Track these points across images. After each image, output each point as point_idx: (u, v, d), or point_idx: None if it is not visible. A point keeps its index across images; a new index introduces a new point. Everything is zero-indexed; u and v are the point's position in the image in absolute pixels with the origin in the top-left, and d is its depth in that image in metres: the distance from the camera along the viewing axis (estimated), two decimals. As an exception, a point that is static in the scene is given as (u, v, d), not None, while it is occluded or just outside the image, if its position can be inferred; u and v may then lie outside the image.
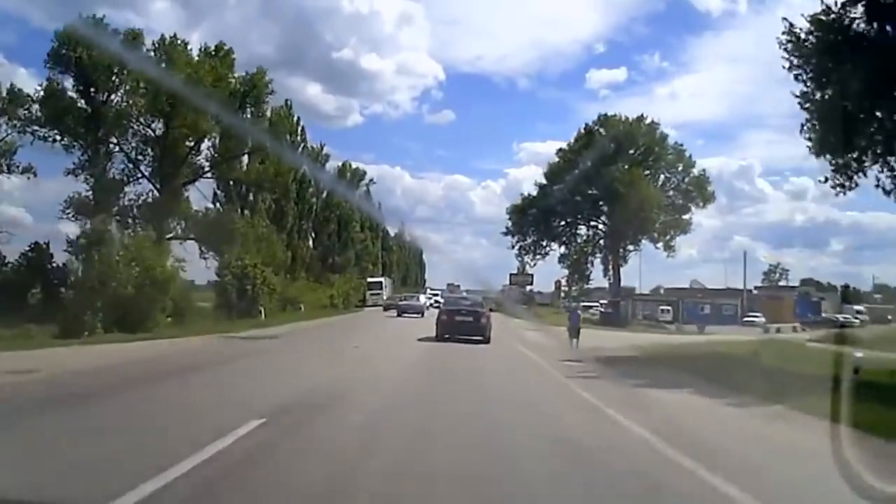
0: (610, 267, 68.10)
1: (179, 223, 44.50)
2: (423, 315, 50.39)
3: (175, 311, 30.01)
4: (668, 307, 66.05)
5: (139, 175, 44.10)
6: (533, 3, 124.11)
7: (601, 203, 66.25)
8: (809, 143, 22.77)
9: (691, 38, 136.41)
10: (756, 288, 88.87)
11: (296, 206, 65.72)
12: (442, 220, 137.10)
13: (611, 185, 61.17)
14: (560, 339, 30.52)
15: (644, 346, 27.97)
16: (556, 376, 17.51)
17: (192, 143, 43.56)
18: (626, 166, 62.48)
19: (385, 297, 72.39)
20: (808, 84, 21.66)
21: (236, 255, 40.36)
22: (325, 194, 74.59)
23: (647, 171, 64.82)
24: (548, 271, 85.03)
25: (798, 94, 21.93)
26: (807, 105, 21.89)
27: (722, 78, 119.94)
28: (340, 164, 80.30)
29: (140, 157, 43.99)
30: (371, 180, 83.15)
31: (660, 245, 66.91)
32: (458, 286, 69.54)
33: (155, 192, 43.54)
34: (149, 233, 35.77)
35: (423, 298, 59.67)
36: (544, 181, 68.88)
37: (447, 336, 28.40)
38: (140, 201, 43.56)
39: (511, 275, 79.67)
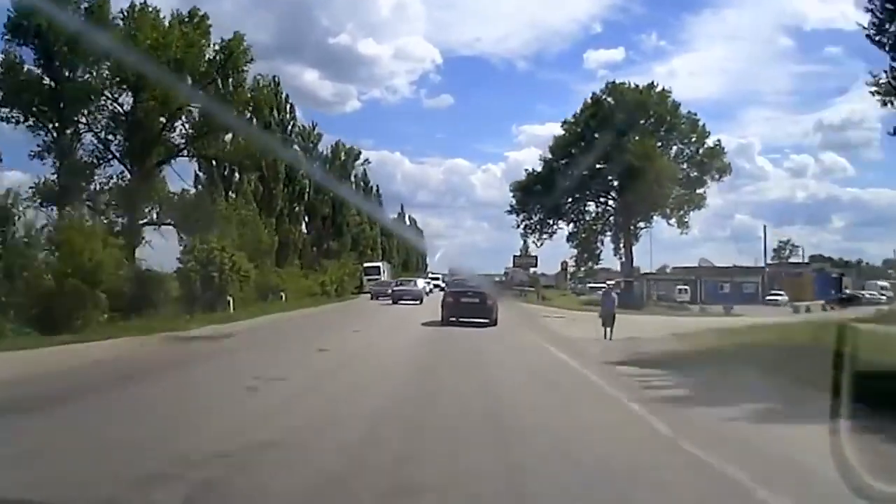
0: (621, 245, 64.18)
1: (154, 207, 40.77)
2: (421, 302, 47.08)
3: (128, 305, 25.96)
4: (686, 287, 62.14)
5: (110, 156, 40.48)
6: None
7: (611, 178, 62.25)
8: (875, 88, 19.17)
9: (689, 17, 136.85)
10: (767, 265, 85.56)
11: (286, 189, 61.77)
12: (443, 204, 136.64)
13: (622, 157, 57.12)
14: (583, 327, 26.75)
15: (685, 333, 23.41)
16: (616, 399, 12.04)
17: (165, 119, 39.60)
18: (638, 137, 58.29)
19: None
20: (881, 12, 17.87)
21: (200, 238, 36.16)
22: (317, 176, 71.17)
23: (660, 143, 60.74)
24: (551, 252, 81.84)
25: (866, 25, 18.16)
26: (878, 38, 18.12)
27: (720, 56, 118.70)
28: (334, 143, 76.04)
29: (110, 137, 40.27)
30: (366, 160, 79.09)
31: (672, 221, 63.01)
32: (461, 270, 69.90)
33: (127, 174, 39.96)
34: (79, 211, 31.84)
35: (421, 283, 54.73)
36: (549, 155, 64.95)
37: (453, 318, 28.12)
38: (110, 184, 40.13)
39: (514, 257, 75.77)
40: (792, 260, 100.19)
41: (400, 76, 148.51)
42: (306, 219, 71.67)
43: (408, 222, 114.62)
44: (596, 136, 58.45)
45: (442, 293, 34.95)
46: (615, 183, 62.39)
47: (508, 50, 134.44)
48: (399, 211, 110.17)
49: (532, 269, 77.46)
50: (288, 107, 62.72)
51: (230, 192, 50.82)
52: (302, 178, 64.59)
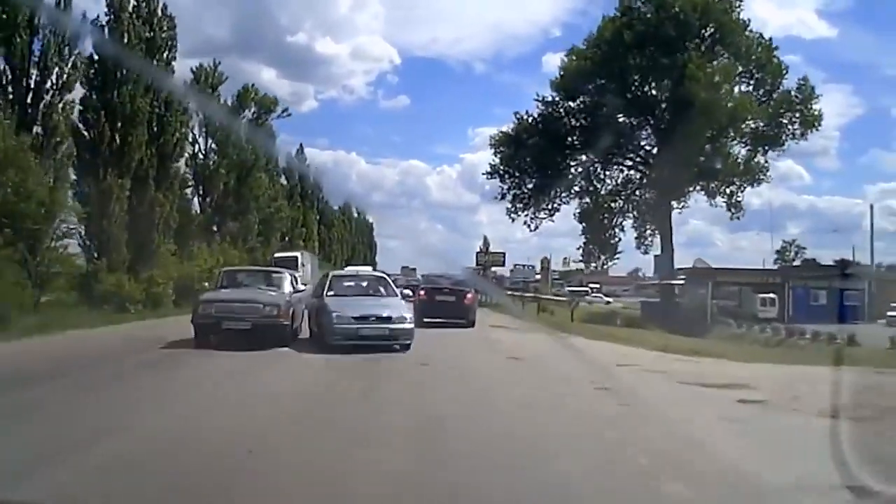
0: (647, 232, 44.13)
1: None
2: (287, 344, 17.24)
3: None
4: (773, 296, 40.78)
5: None
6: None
7: (644, 128, 42.47)
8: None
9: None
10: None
11: (157, 139, 41.02)
12: (398, 205, 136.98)
13: (662, 94, 37.58)
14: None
15: None
16: None
17: None
18: (698, 57, 37.80)
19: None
20: None
21: None
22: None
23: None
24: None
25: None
26: None
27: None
28: (241, 88, 55.21)
29: None
30: (285, 111, 58.19)
31: (720, 200, 43.26)
32: (414, 270, 63.09)
33: None
34: None
35: (285, 283, 20.26)
36: (553, 93, 43.65)
37: (427, 319, 24.65)
38: None
39: (477, 254, 62.31)
40: (796, 263, 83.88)
41: (357, 76, 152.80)
42: (200, 189, 51.20)
43: (355, 214, 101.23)
44: (627, 61, 38.42)
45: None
46: (650, 137, 42.41)
47: (466, 52, 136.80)
48: (344, 201, 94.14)
49: (495, 269, 63.15)
50: (166, 24, 41.88)
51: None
52: (180, 127, 43.68)
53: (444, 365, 15.06)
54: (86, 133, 37.19)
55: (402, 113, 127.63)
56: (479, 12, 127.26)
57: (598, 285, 79.93)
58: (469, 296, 26.69)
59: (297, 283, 22.01)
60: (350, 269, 33.93)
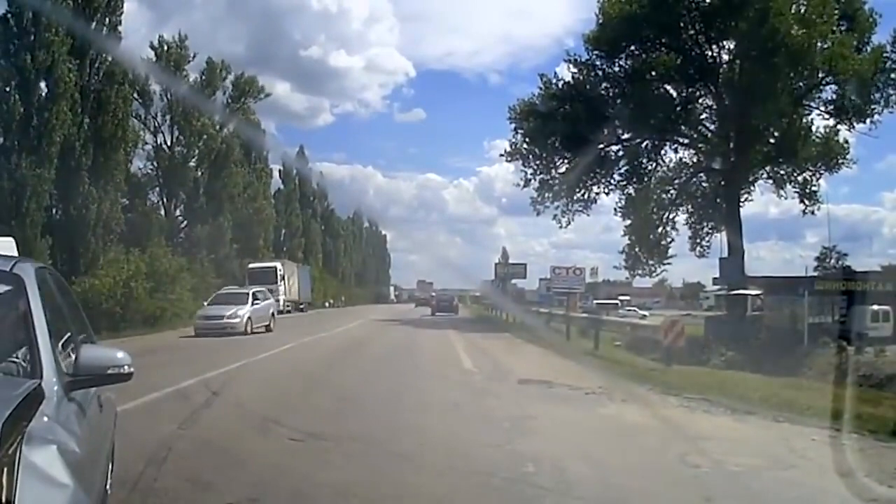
0: (704, 230, 35.56)
1: None
2: None
3: None
4: (888, 307, 30.60)
5: None
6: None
7: (695, 97, 33.96)
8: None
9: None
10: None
11: (90, 124, 33.56)
12: (416, 219, 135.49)
13: (738, 41, 29.46)
14: None
15: None
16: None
17: None
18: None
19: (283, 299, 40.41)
20: None
21: None
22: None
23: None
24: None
25: None
26: None
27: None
28: (206, 63, 46.87)
29: None
30: (261, 89, 50.23)
31: (792, 188, 34.92)
32: (431, 283, 70.90)
33: None
34: None
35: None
36: (588, 52, 34.27)
37: (437, 314, 47.17)
38: None
39: (496, 265, 58.02)
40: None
41: (372, 89, 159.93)
42: (161, 181, 43.31)
43: (366, 224, 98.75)
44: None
45: None
46: (710, 109, 33.85)
47: (481, 64, 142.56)
48: (354, 212, 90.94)
49: (515, 281, 56.25)
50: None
51: None
52: (124, 105, 35.05)
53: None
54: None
55: (419, 126, 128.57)
56: (493, 25, 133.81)
57: (628, 298, 71.03)
58: (455, 301, 53.10)
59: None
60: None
